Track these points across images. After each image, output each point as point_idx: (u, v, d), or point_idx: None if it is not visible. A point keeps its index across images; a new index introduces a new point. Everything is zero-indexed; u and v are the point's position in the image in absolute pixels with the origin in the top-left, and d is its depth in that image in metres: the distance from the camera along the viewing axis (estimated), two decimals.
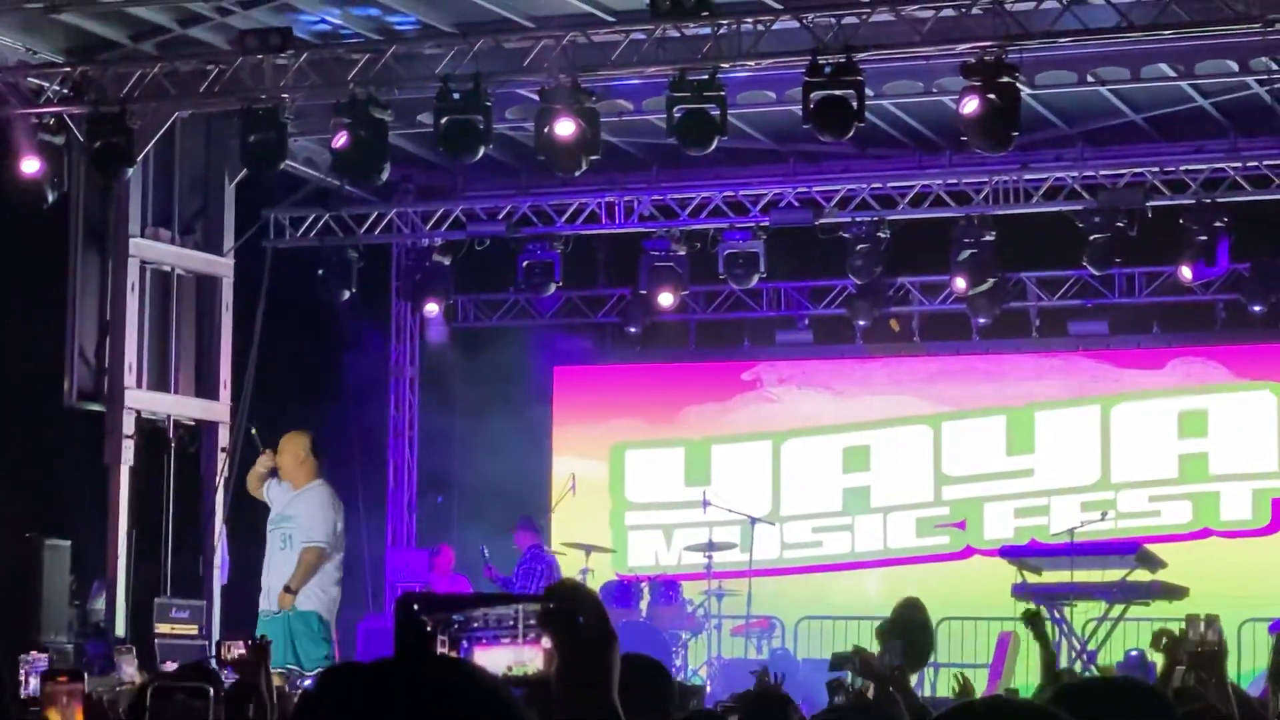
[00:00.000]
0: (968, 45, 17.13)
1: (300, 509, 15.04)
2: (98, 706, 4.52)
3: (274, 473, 15.66)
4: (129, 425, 20.31)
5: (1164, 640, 8.24)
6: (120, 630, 19.29)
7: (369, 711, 2.43)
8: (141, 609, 19.30)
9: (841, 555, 23.39)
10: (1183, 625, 7.90)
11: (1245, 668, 18.63)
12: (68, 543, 18.17)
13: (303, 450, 15.42)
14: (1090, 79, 19.71)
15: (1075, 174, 21.31)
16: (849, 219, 22.10)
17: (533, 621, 2.84)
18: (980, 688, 15.67)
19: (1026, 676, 16.57)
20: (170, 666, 10.06)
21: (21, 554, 17.89)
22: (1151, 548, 19.08)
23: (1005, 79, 16.94)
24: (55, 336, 20.31)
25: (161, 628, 18.47)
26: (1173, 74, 19.56)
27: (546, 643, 2.82)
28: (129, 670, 12.70)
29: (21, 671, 7.96)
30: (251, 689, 7.06)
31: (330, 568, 15.06)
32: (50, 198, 19.20)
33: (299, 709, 2.57)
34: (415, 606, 2.82)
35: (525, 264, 23.19)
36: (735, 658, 20.23)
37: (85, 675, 4.50)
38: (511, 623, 2.88)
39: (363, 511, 22.28)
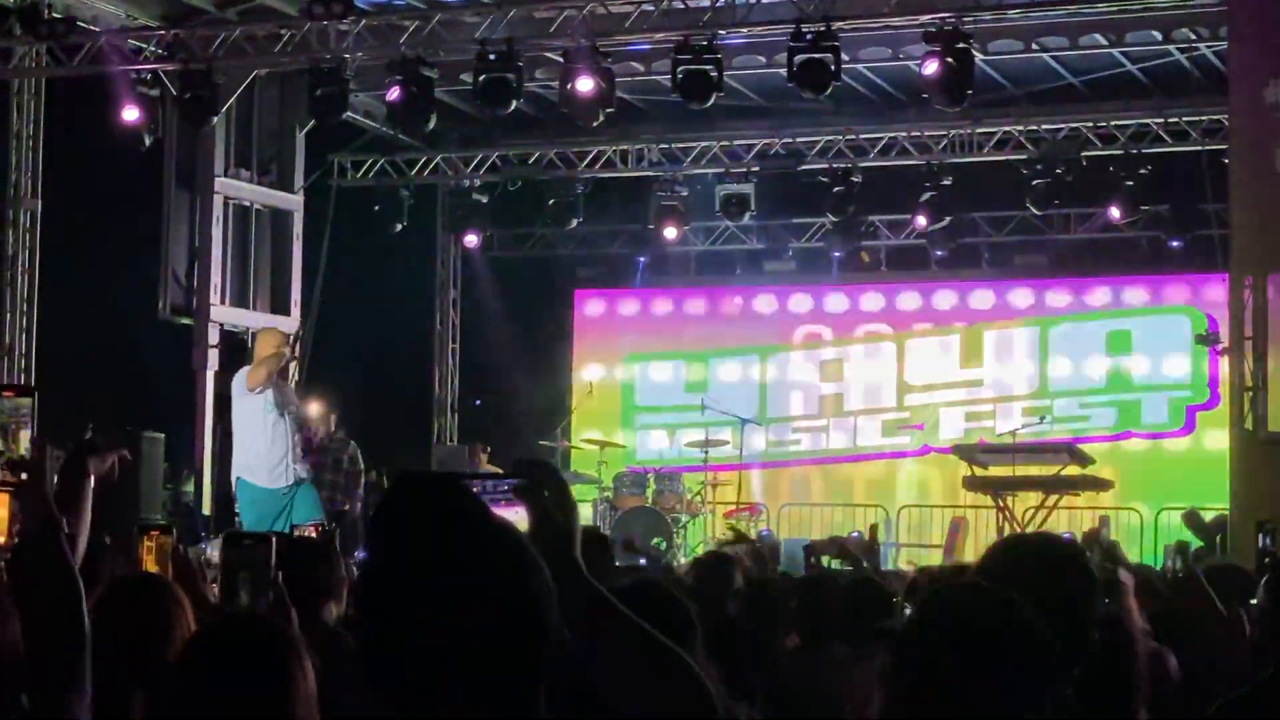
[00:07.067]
0: (929, 16, 17.03)
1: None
2: (183, 557, 4.56)
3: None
4: (213, 336, 20.35)
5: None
6: (206, 510, 19.34)
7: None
8: (224, 492, 19.33)
9: (818, 452, 23.41)
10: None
11: (1161, 547, 18.69)
12: (162, 435, 18.17)
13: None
14: (1034, 46, 19.62)
15: (1020, 128, 21.23)
16: (827, 165, 22.06)
17: (509, 491, 2.87)
18: (935, 563, 15.71)
19: (975, 554, 16.61)
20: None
21: (121, 444, 17.88)
22: (1082, 447, 19.07)
23: (961, 45, 16.84)
24: (151, 261, 20.30)
25: None
26: (1105, 42, 19.46)
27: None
28: (214, 547, 12.68)
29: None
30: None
31: None
32: (147, 142, 19.18)
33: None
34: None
35: (551, 202, 23.15)
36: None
37: (174, 530, 4.55)
38: (502, 490, 2.91)
39: (410, 412, 22.33)
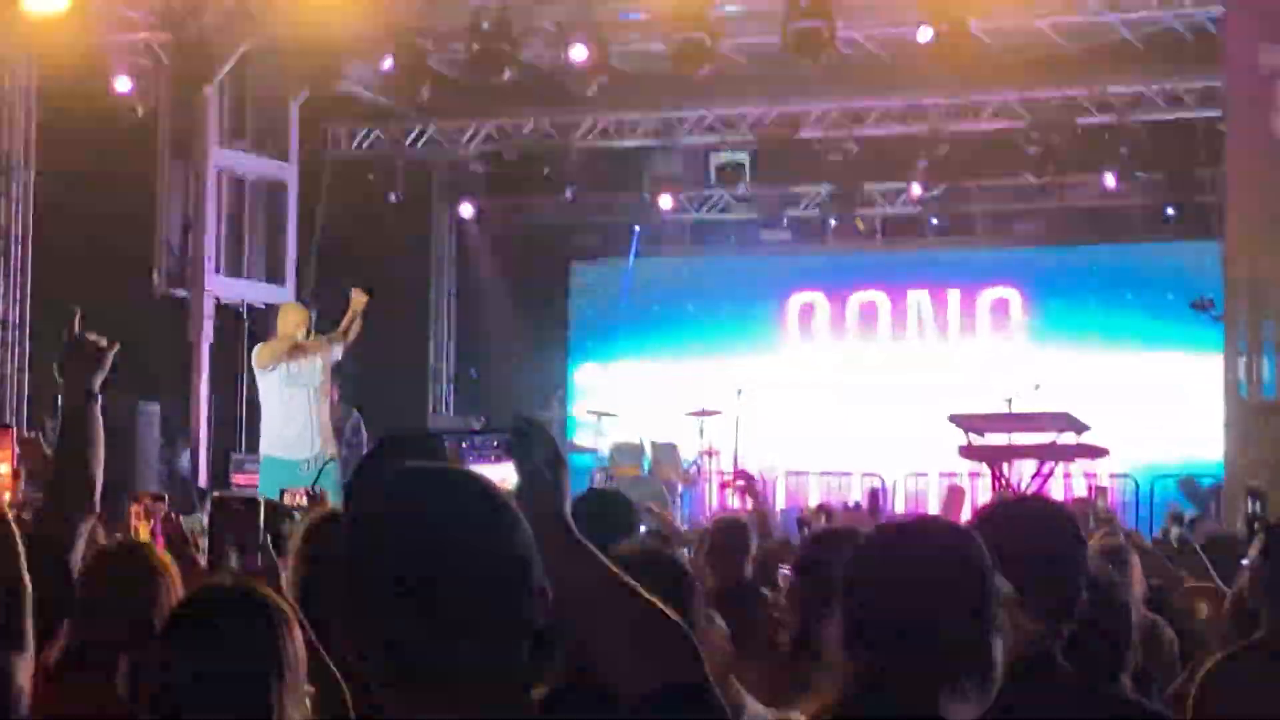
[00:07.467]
0: None
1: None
2: (174, 525, 4.56)
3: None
4: (209, 308, 20.33)
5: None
6: (201, 481, 19.35)
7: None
8: (219, 463, 19.36)
9: (813, 421, 23.37)
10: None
11: (1156, 514, 18.70)
12: (157, 406, 18.19)
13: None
14: (1030, 14, 19.56)
15: (1016, 95, 21.19)
16: (822, 134, 22.03)
17: (499, 448, 2.85)
18: None
19: None
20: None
21: (118, 416, 17.87)
22: (1077, 413, 19.04)
23: (956, 13, 16.82)
24: (145, 232, 20.27)
25: (237, 478, 18.51)
26: (1101, 9, 19.42)
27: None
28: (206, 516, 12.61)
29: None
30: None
31: None
32: (140, 113, 19.13)
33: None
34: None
35: (546, 172, 23.11)
36: (727, 507, 20.28)
37: (166, 496, 4.54)
38: (490, 447, 2.89)
39: (407, 384, 22.30)
